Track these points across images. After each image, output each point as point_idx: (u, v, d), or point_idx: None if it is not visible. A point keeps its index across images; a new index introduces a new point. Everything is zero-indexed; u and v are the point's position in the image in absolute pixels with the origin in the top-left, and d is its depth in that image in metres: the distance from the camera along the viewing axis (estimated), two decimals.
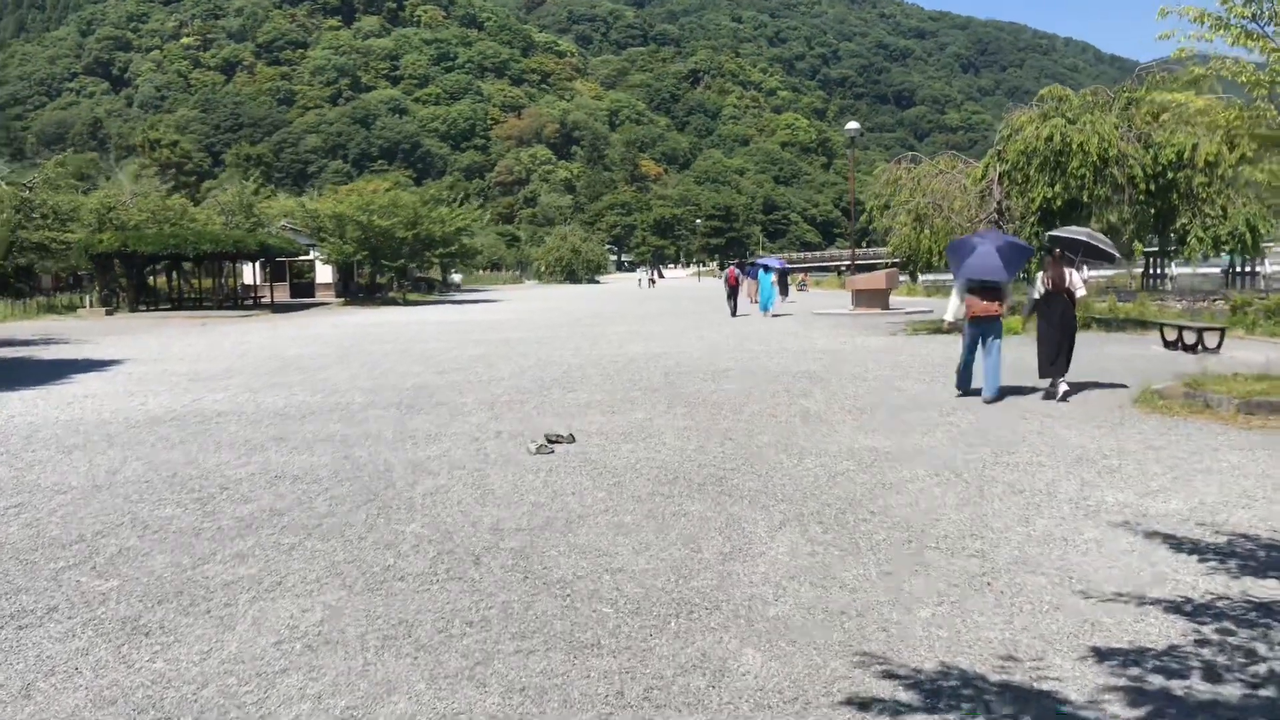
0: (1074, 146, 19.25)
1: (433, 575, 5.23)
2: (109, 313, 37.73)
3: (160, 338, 25.51)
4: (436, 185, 54.15)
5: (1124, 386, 11.94)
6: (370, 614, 4.65)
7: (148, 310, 40.13)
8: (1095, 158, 19.02)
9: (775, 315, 30.34)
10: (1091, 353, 15.83)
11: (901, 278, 32.45)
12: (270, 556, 5.63)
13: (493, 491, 7.12)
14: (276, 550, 5.75)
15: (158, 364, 18.17)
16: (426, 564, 5.42)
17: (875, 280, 32.81)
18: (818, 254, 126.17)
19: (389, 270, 50.10)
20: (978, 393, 11.27)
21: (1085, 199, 19.49)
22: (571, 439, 9.12)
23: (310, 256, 51.20)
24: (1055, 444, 8.55)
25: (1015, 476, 7.32)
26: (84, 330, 29.11)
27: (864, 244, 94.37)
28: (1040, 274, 11.83)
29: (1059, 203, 19.69)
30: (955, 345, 16.49)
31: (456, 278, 63.77)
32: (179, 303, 44.18)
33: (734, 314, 29.94)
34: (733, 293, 31.43)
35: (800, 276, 62.20)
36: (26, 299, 38.35)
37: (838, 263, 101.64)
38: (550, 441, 9.03)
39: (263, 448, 9.16)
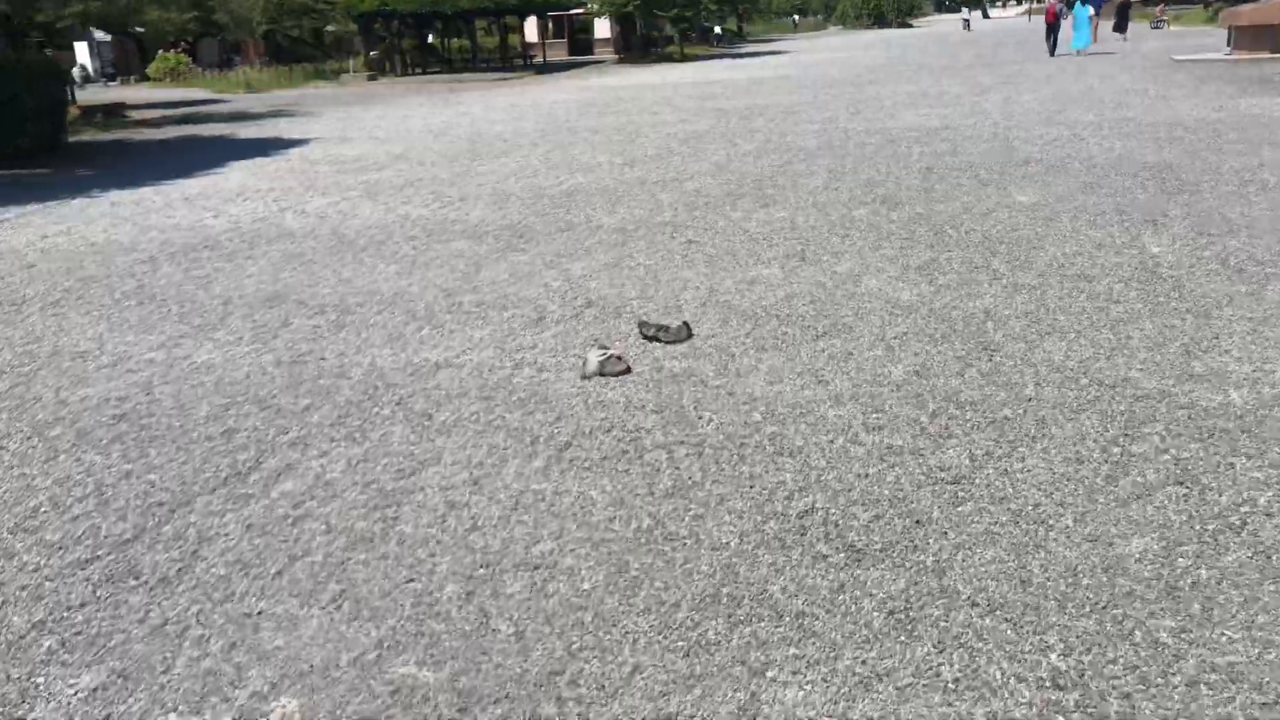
0: None
1: None
2: (371, 78, 36.06)
3: (387, 108, 22.99)
4: None
5: None
6: None
7: (415, 74, 38.18)
8: None
9: (1089, 54, 26.11)
10: None
11: None
12: None
13: (395, 529, 3.26)
14: None
15: (338, 145, 15.53)
16: None
17: (1269, 12, 24.41)
18: None
19: (665, 20, 45.20)
20: None
21: None
22: (684, 333, 5.03)
23: (584, 10, 47.17)
24: None
25: None
26: (325, 100, 27.24)
27: None
28: None
29: None
30: None
31: (717, 30, 56.90)
32: (450, 65, 41.99)
33: (1052, 54, 26.88)
34: (1051, 30, 27.75)
35: (1156, 10, 50.92)
36: (294, 65, 37.35)
37: None
38: (645, 336, 5.04)
39: (215, 326, 5.81)
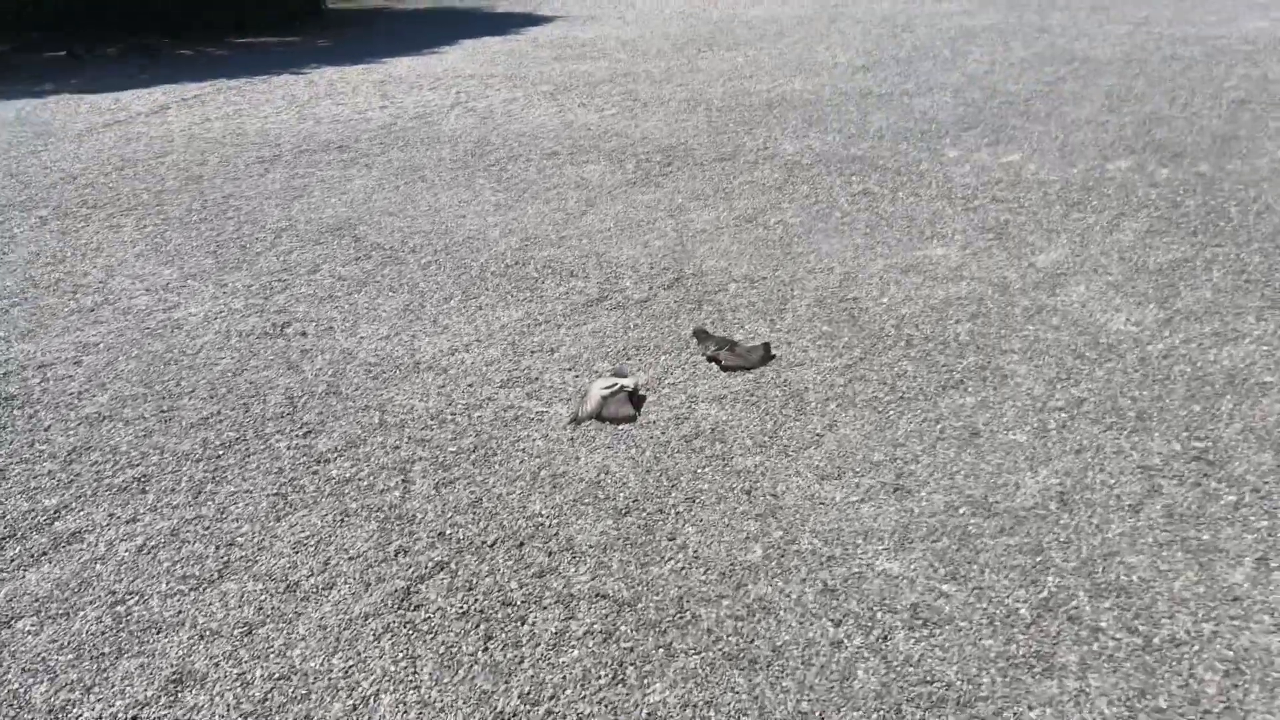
0: None
1: None
2: None
3: None
4: None
5: None
6: None
7: None
8: None
9: None
10: None
11: None
12: None
13: None
14: None
15: (579, 26, 14.51)
16: None
17: None
18: None
19: None
20: None
21: None
22: (756, 358, 3.56)
23: None
24: None
25: None
26: None
27: None
28: None
29: None
30: None
31: None
32: None
33: None
34: None
35: None
36: None
37: None
38: (705, 354, 3.59)
39: (240, 264, 4.95)
